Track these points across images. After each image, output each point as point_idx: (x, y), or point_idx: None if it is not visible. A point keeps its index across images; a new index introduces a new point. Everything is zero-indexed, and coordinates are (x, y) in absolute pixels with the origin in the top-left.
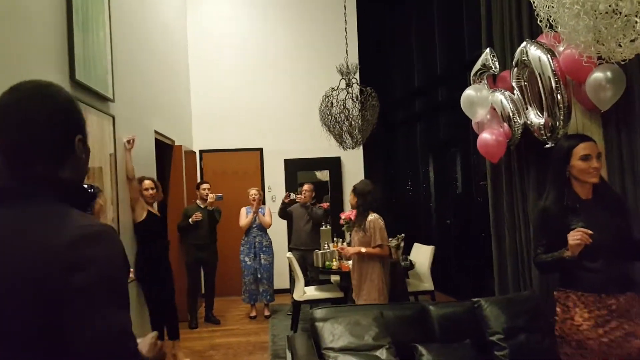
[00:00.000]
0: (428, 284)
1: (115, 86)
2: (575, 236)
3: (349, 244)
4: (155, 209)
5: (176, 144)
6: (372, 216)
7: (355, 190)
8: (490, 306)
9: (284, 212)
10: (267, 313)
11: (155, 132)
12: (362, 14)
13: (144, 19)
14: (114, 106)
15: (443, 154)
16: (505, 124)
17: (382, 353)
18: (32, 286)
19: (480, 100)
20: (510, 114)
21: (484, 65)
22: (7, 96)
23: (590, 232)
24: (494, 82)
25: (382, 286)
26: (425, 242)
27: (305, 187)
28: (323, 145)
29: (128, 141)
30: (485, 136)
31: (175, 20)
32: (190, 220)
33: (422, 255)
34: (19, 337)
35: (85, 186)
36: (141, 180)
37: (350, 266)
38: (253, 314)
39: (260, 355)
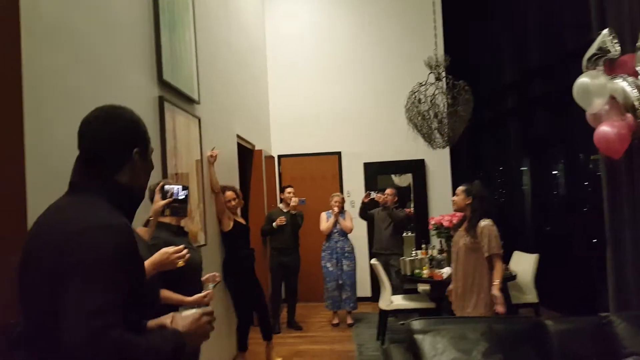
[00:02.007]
0: (531, 296)
1: (200, 88)
2: None
3: (441, 251)
4: (240, 217)
5: (256, 148)
6: (486, 222)
7: (471, 191)
8: (623, 323)
9: (364, 212)
10: (350, 321)
11: (237, 136)
12: (445, 4)
13: (225, 20)
14: (199, 108)
15: (541, 153)
16: (629, 115)
17: None
18: (44, 262)
19: (598, 89)
20: (636, 103)
21: (600, 49)
22: (90, 113)
23: None
24: (611, 67)
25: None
26: (521, 250)
27: (388, 190)
28: (405, 147)
29: (211, 155)
30: (605, 129)
31: (253, 22)
32: (274, 224)
33: (524, 264)
34: (35, 303)
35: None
36: (223, 190)
37: (451, 274)
38: (335, 321)
39: None
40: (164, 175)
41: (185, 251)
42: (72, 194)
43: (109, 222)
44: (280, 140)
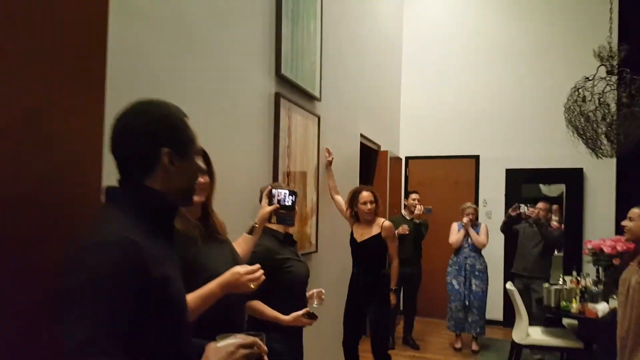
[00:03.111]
0: None
1: (323, 84)
2: None
3: (597, 282)
4: (365, 228)
5: (382, 149)
6: None
7: None
8: None
9: (509, 227)
10: (475, 347)
11: (361, 135)
12: None
13: (357, 14)
14: (320, 105)
15: None
16: None
17: None
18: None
19: None
20: None
21: None
22: (121, 110)
23: None
24: None
25: None
26: None
27: (540, 205)
28: (559, 153)
29: (328, 152)
30: None
31: (390, 18)
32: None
33: None
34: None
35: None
36: (359, 190)
37: (609, 313)
38: (458, 345)
39: None
40: (274, 175)
41: (259, 273)
42: (103, 204)
43: (105, 240)
44: (410, 141)
